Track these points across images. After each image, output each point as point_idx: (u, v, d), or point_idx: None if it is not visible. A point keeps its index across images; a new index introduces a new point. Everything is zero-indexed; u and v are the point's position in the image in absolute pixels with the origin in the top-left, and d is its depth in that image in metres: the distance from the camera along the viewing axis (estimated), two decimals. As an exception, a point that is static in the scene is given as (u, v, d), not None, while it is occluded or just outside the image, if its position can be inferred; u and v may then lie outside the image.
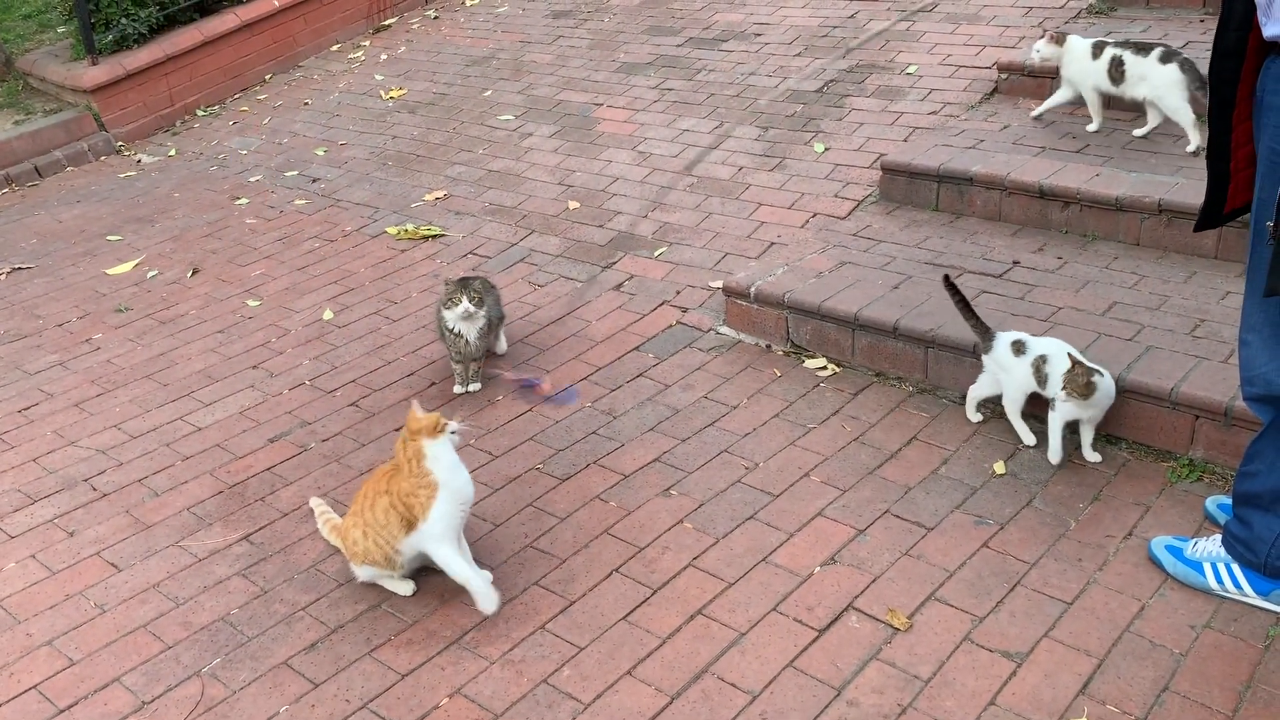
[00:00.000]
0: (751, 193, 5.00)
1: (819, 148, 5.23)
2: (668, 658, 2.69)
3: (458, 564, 2.82)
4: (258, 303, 4.74)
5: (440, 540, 2.80)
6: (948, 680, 2.56)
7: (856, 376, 3.79)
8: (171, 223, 5.71)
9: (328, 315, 4.57)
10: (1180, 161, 4.30)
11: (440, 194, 5.57)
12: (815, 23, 6.55)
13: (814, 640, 2.70)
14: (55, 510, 3.47)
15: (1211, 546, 2.75)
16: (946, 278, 3.45)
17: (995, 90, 5.31)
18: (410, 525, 2.80)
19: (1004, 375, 3.29)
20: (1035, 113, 4.96)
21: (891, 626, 2.72)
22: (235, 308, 4.72)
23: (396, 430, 3.72)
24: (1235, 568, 2.69)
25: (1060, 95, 4.78)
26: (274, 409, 3.93)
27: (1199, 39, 5.08)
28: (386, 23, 8.31)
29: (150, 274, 5.14)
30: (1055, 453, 3.18)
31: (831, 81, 5.81)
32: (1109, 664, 2.56)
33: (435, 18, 8.25)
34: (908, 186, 4.63)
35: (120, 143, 6.97)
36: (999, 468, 3.25)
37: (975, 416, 3.46)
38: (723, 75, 6.17)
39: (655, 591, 2.90)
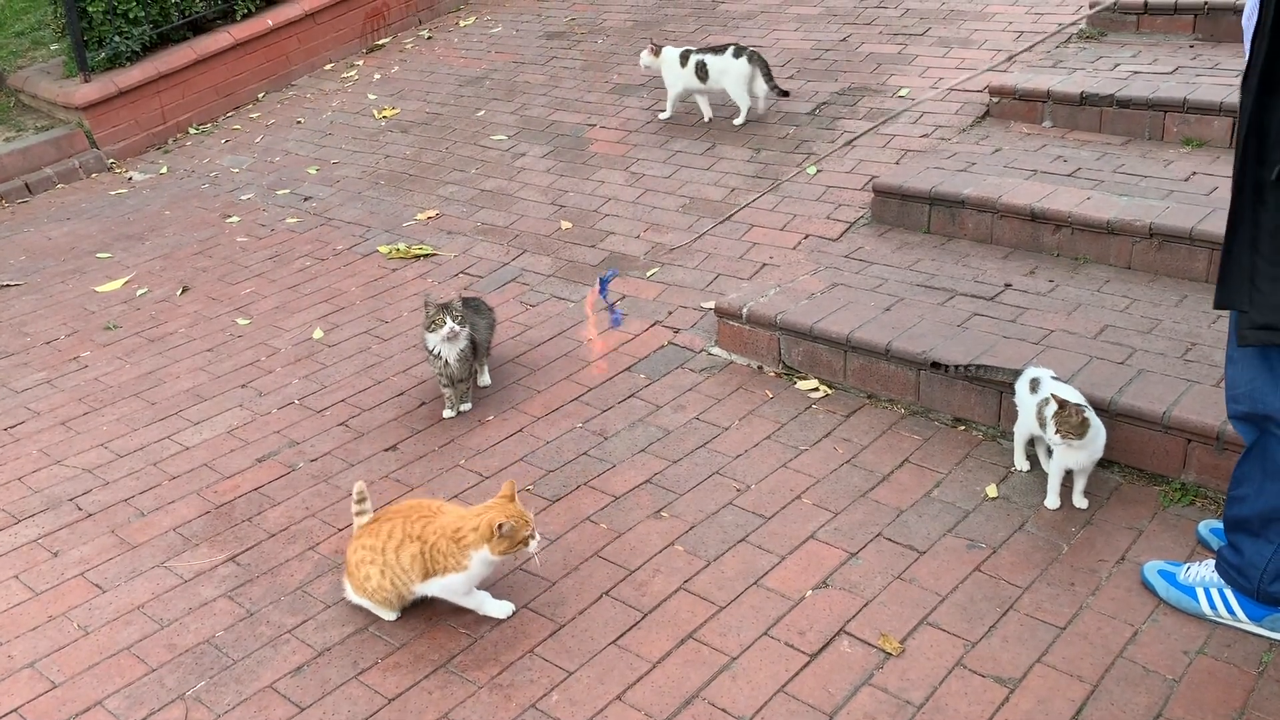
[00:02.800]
0: (744, 214, 5.00)
1: (811, 170, 5.24)
2: (658, 682, 2.66)
3: (471, 600, 2.87)
4: (247, 321, 4.72)
5: (454, 593, 2.84)
6: (940, 706, 2.53)
7: (848, 398, 3.78)
8: (162, 240, 5.69)
9: (318, 334, 4.55)
10: (1171, 186, 4.31)
11: (432, 213, 5.56)
12: (807, 45, 6.57)
13: (805, 665, 2.68)
14: (39, 530, 3.43)
15: (1205, 571, 2.74)
16: (953, 370, 3.45)
17: (987, 113, 5.33)
18: (428, 575, 2.79)
19: (1020, 408, 3.26)
20: (663, 116, 6.04)
21: (884, 651, 2.70)
22: (225, 326, 4.70)
23: (387, 450, 3.70)
24: (1229, 593, 2.68)
25: (675, 98, 5.96)
26: (262, 428, 3.90)
27: (1189, 64, 5.12)
28: (380, 42, 8.32)
29: (140, 292, 5.12)
30: (1052, 499, 3.15)
31: (824, 104, 5.82)
32: (1102, 690, 2.54)
33: (429, 38, 8.27)
34: (899, 209, 4.64)
35: (112, 160, 6.95)
36: (991, 491, 3.24)
37: (1023, 465, 3.32)
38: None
39: (645, 615, 2.87)
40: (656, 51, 5.79)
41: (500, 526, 2.68)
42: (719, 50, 5.59)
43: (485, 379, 4.02)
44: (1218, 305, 2.42)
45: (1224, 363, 3.32)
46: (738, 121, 5.79)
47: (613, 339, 4.26)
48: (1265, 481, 2.53)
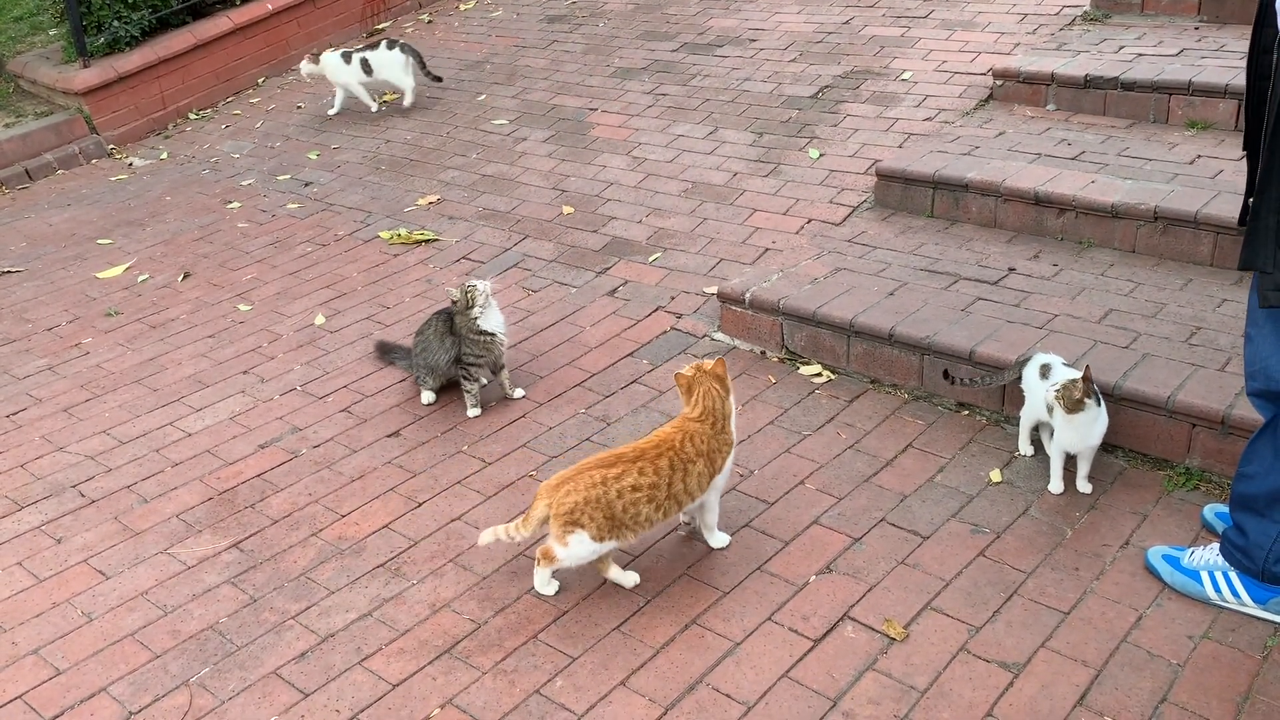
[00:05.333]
0: (746, 198, 4.99)
1: (814, 154, 5.22)
2: (661, 668, 2.66)
3: (718, 501, 3.02)
4: (249, 307, 4.71)
5: (719, 489, 2.97)
6: (944, 691, 2.53)
7: (852, 383, 3.77)
8: (163, 226, 5.67)
9: (319, 320, 4.54)
10: (1176, 169, 4.29)
11: (434, 198, 5.54)
12: (810, 28, 6.54)
13: (809, 650, 2.68)
14: (43, 517, 3.43)
15: (1209, 555, 2.73)
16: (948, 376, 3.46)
17: (990, 97, 5.30)
18: (713, 476, 2.92)
19: (1028, 393, 3.25)
20: (331, 111, 6.75)
21: (888, 636, 2.70)
22: (226, 312, 4.69)
23: (389, 436, 3.69)
24: (1233, 576, 2.68)
25: (340, 96, 6.72)
26: (265, 415, 3.89)
27: (1193, 46, 5.09)
28: (380, 26, 8.28)
29: (141, 278, 5.11)
30: (1055, 483, 3.15)
31: (826, 87, 5.80)
32: (1106, 675, 2.54)
33: (429, 22, 8.23)
34: (903, 193, 4.62)
35: (112, 146, 6.93)
36: (995, 476, 3.23)
37: (1028, 449, 3.31)
38: (717, 81, 6.15)
39: (649, 600, 2.87)
40: (316, 59, 6.56)
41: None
42: (374, 46, 6.46)
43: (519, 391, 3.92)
44: (1242, 266, 2.41)
45: (1229, 347, 3.34)
46: (406, 103, 6.59)
47: (616, 325, 4.25)
48: (1275, 460, 2.53)
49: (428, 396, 3.86)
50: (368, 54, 6.43)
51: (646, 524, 2.81)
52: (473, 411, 3.77)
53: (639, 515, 2.78)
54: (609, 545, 2.80)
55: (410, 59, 6.45)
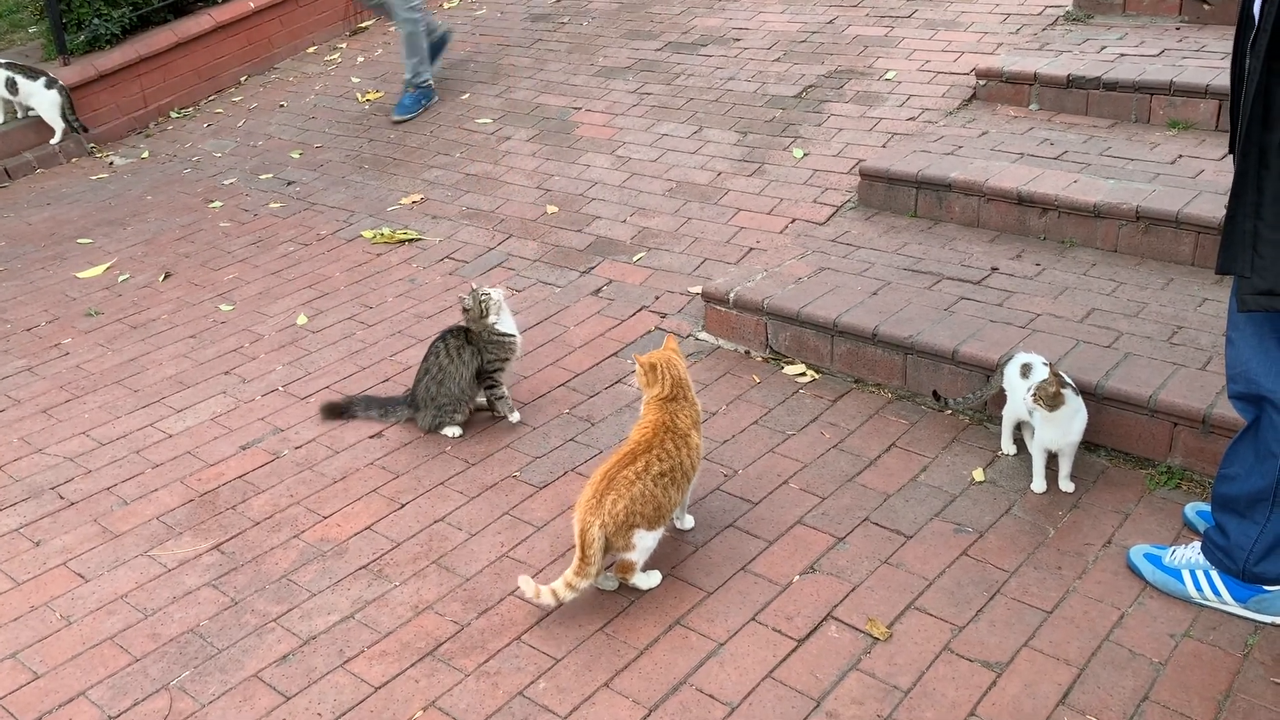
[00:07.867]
0: (730, 198, 4.99)
1: (798, 153, 5.22)
2: (645, 669, 2.66)
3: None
4: (230, 307, 4.68)
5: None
6: (928, 691, 2.54)
7: (836, 383, 3.77)
8: (144, 226, 5.63)
9: (302, 320, 4.51)
10: (1157, 169, 4.31)
11: (417, 198, 5.52)
12: (794, 28, 6.54)
13: (793, 650, 2.67)
14: (21, 519, 3.40)
15: (1190, 554, 2.75)
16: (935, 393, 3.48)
17: (974, 96, 5.31)
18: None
19: (1010, 392, 3.26)
20: None
21: (871, 636, 2.70)
22: (208, 312, 4.66)
23: (372, 437, 3.67)
24: (1214, 575, 2.69)
25: None
26: (246, 415, 3.87)
27: (1175, 46, 5.11)
28: (363, 25, 8.25)
29: (121, 278, 5.07)
30: (1038, 482, 3.15)
31: (810, 87, 5.80)
32: (1089, 674, 2.55)
33: (413, 20, 8.19)
34: (886, 192, 4.63)
35: (92, 145, 6.88)
36: (978, 475, 3.24)
37: (1010, 448, 3.32)
38: (701, 80, 6.15)
39: (632, 602, 2.87)
40: None
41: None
42: (33, 75, 6.42)
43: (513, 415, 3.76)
44: (1220, 270, 2.42)
45: (1210, 346, 3.36)
46: (53, 141, 6.63)
47: (600, 325, 4.24)
48: (1256, 462, 2.54)
49: (454, 431, 3.63)
50: (19, 78, 6.40)
51: (674, 507, 2.87)
52: (515, 417, 3.68)
53: (671, 501, 2.83)
54: (659, 532, 2.82)
55: (62, 100, 6.49)
